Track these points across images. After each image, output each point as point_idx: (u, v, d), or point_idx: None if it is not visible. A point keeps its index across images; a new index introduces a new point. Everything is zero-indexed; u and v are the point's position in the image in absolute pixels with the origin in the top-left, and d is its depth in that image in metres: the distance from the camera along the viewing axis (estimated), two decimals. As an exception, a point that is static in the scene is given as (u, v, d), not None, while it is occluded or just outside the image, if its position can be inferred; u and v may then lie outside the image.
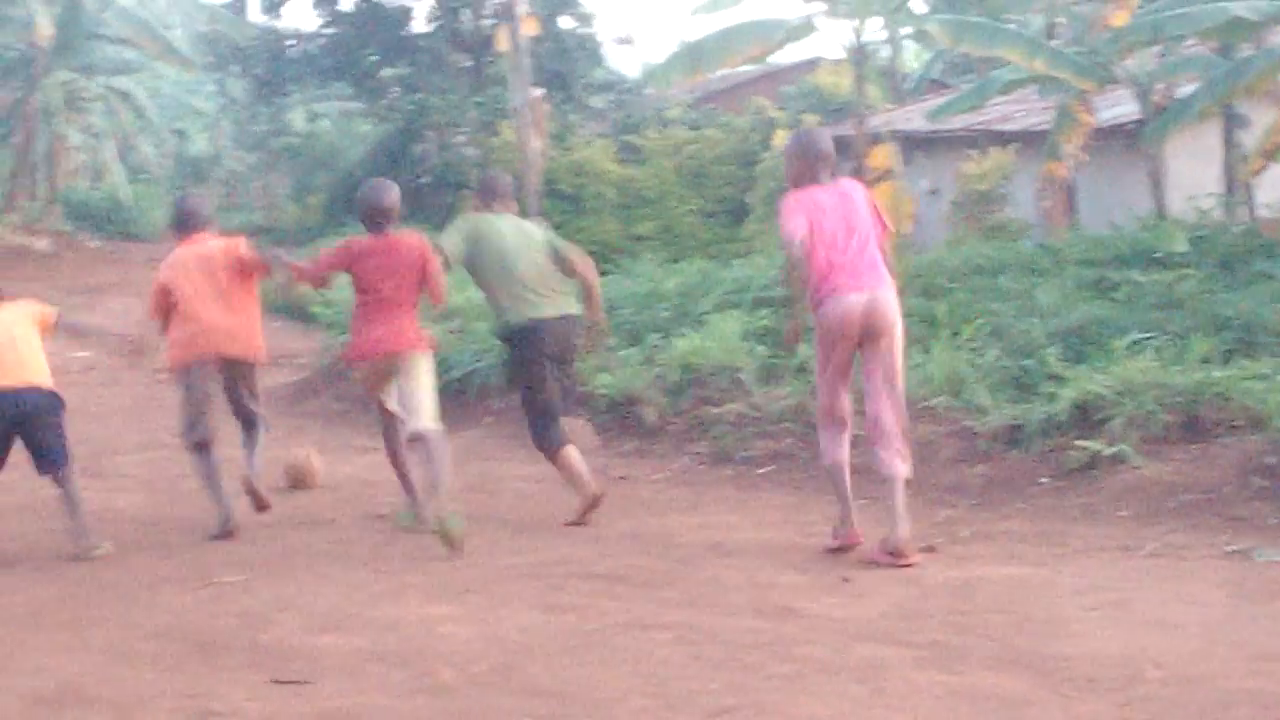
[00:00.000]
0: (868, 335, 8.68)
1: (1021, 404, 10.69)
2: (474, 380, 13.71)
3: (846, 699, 5.91)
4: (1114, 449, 9.78)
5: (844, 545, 8.64)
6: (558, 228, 28.04)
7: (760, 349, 12.33)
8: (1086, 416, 10.24)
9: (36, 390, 9.09)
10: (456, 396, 13.76)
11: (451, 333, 14.56)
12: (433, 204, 38.54)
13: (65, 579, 8.24)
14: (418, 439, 9.64)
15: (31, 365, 9.12)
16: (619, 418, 12.25)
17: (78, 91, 42.89)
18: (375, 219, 9.92)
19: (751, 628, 6.86)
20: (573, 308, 10.14)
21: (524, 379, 10.01)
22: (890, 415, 8.58)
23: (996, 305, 13.10)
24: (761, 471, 10.83)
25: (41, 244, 32.74)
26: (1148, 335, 11.51)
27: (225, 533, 9.64)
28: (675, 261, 17.48)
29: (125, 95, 46.66)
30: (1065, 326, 12.15)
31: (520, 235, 10.16)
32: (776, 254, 18.03)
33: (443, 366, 13.82)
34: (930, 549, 8.51)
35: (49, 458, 9.14)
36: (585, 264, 10.25)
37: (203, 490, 9.90)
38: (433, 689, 6.10)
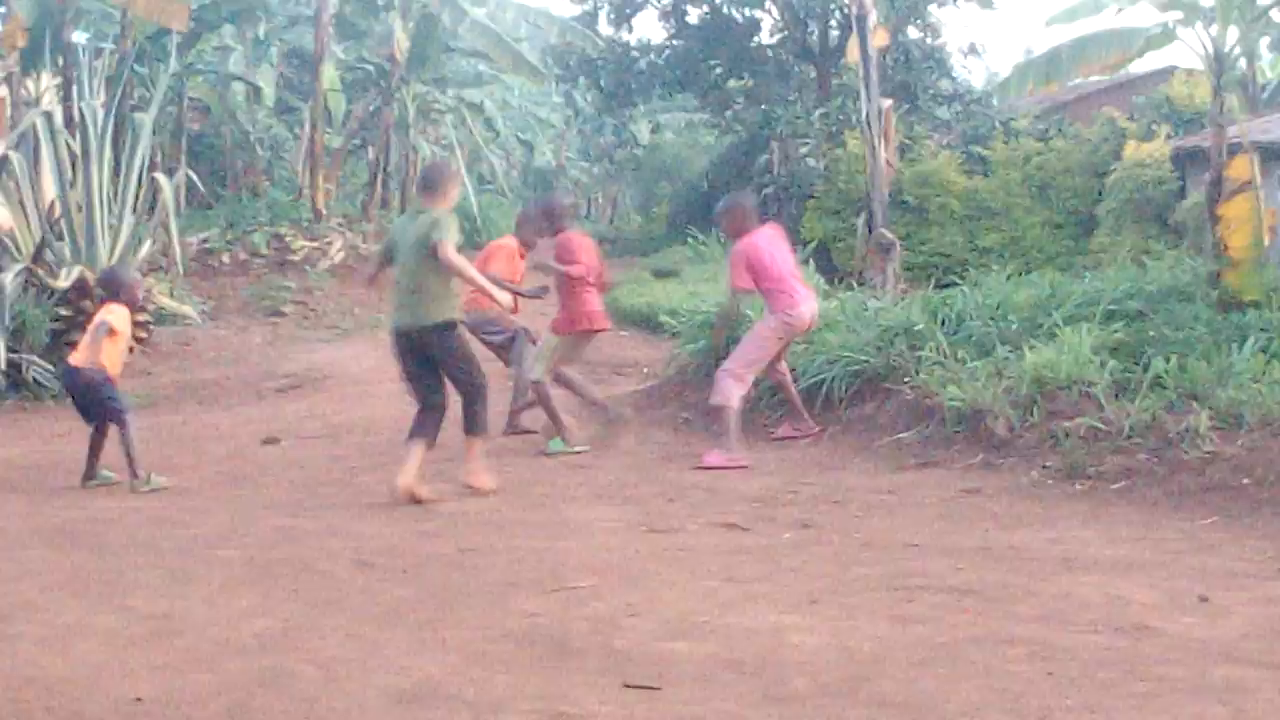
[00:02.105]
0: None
1: (1396, 422, 10.32)
2: (818, 390, 13.69)
3: (1207, 720, 5.76)
4: None
5: (735, 465, 12.35)
6: (904, 239, 28.05)
7: (1113, 363, 12.09)
8: None
9: (90, 369, 12.35)
10: (804, 406, 13.76)
11: (798, 343, 14.56)
12: (777, 214, 38.68)
13: (421, 580, 8.39)
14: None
15: (93, 352, 12.32)
16: (968, 430, 12.12)
17: (430, 104, 43.97)
18: (565, 218, 13.71)
19: (1106, 645, 6.71)
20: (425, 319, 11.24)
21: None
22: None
23: (1365, 320, 12.67)
24: (1114, 487, 10.57)
25: (395, 252, 33.60)
26: None
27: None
28: (1023, 273, 17.21)
29: (476, 107, 47.69)
30: None
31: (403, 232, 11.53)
32: (1128, 266, 17.69)
33: (790, 376, 13.90)
34: (1292, 569, 8.27)
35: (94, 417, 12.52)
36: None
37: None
38: (783, 698, 6.08)
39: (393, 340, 11.40)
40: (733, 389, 12.84)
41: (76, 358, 12.55)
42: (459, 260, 10.94)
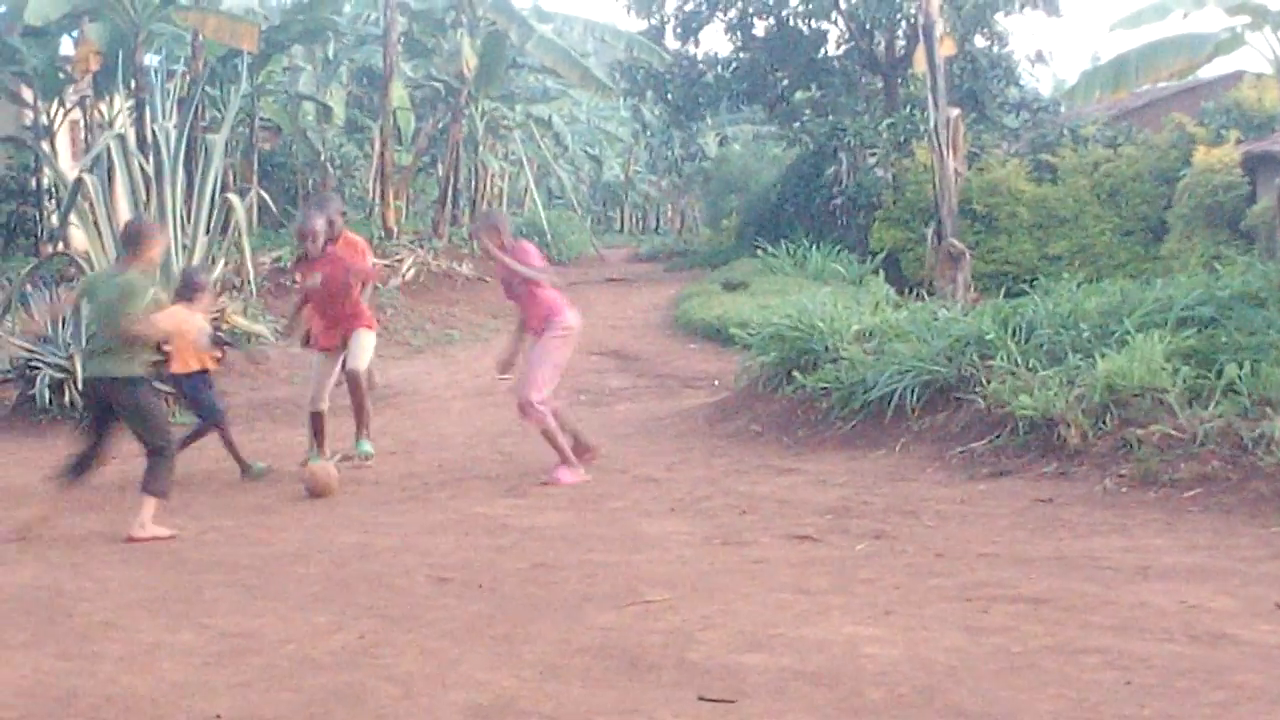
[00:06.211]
0: None
1: None
2: (889, 401, 13.65)
3: (1286, 729, 5.73)
4: None
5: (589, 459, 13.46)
6: (973, 248, 27.94)
7: (1185, 369, 12.01)
8: None
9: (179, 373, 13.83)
10: (875, 417, 13.75)
11: (868, 353, 14.54)
12: (846, 225, 38.67)
13: (496, 596, 8.43)
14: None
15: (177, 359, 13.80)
16: (1040, 439, 12.06)
17: (499, 120, 44.09)
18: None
19: (1183, 653, 6.68)
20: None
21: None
22: None
23: None
24: (1189, 495, 10.51)
25: (465, 269, 33.67)
26: None
27: None
28: (1093, 281, 17.13)
29: (544, 122, 47.82)
30: None
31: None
32: (1199, 272, 17.58)
33: (861, 387, 13.88)
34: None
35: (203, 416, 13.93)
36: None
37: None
38: (858, 710, 6.08)
39: (84, 389, 11.84)
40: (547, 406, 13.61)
41: (174, 366, 13.82)
42: (139, 329, 11.08)
